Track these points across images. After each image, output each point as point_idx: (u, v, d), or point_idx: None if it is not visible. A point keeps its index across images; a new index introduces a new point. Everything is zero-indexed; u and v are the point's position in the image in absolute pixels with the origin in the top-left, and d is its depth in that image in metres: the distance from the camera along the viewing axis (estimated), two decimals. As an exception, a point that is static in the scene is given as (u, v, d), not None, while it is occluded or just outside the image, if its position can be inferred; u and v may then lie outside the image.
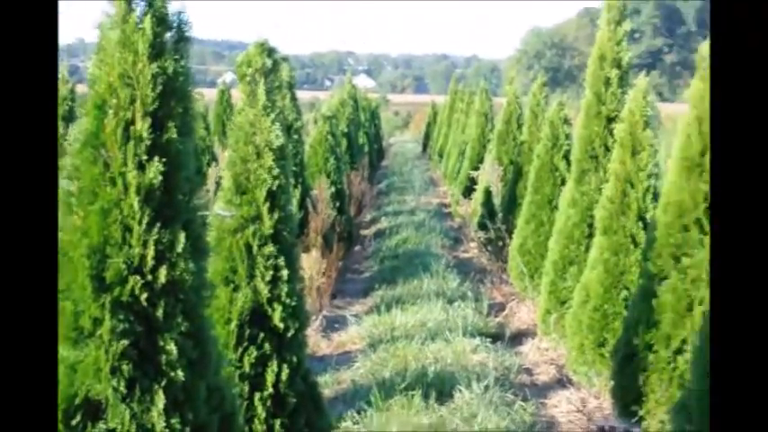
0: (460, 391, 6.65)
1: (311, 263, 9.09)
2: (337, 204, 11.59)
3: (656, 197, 6.25)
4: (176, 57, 2.92)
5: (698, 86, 5.34)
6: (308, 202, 10.27)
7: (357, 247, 13.68)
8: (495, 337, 8.51)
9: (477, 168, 15.54)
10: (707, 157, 5.23)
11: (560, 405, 6.87)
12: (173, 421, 2.80)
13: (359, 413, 6.31)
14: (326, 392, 6.70)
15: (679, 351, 5.19)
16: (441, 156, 26.55)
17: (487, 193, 12.96)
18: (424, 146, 38.06)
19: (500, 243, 11.15)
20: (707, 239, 5.19)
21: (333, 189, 11.56)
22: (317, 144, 12.16)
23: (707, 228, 5.20)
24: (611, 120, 7.45)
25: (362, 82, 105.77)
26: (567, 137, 9.43)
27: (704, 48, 5.35)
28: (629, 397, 5.51)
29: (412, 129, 54.76)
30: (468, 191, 16.36)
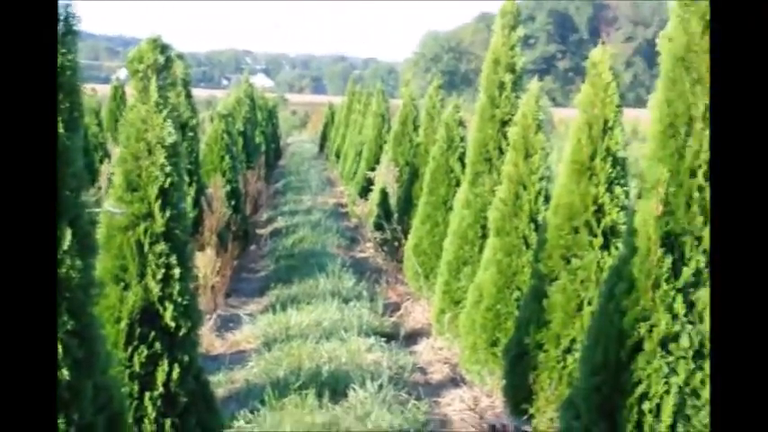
0: (354, 389, 6.66)
1: (206, 261, 8.99)
2: (233, 203, 11.49)
3: (547, 199, 6.37)
4: (64, 50, 2.82)
5: (588, 92, 5.46)
6: (203, 201, 10.15)
7: (253, 247, 13.60)
8: (390, 336, 8.54)
9: (373, 169, 15.60)
10: (596, 161, 5.36)
11: (453, 403, 6.93)
12: (58, 421, 2.72)
13: (252, 412, 6.27)
14: (220, 392, 6.64)
15: (568, 350, 5.31)
16: (338, 156, 26.56)
17: (384, 194, 13.01)
18: (322, 146, 38.01)
19: (396, 243, 11.23)
20: (596, 241, 5.33)
21: (228, 187, 11.45)
22: (212, 142, 12.01)
23: (596, 230, 5.33)
24: (504, 123, 7.57)
25: (260, 81, 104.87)
26: (462, 139, 9.54)
27: (594, 54, 5.48)
28: (520, 395, 5.61)
29: (309, 129, 54.57)
30: (364, 191, 16.40)
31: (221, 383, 7.02)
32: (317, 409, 6.30)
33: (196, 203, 10.06)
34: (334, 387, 6.78)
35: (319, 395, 6.51)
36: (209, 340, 8.25)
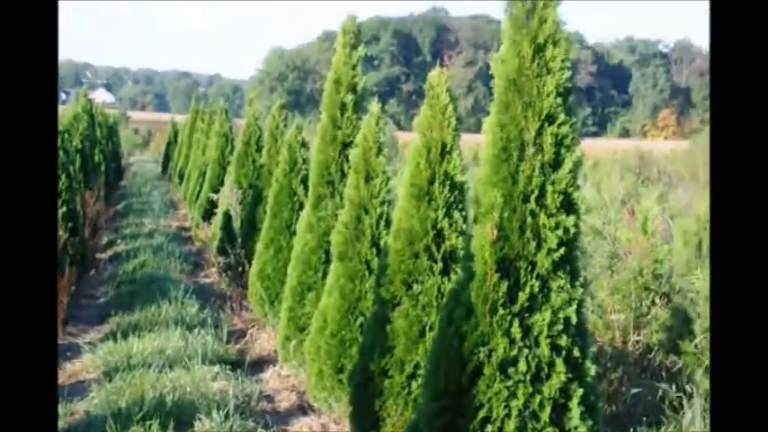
0: (200, 419, 6.50)
1: (41, 287, 8.60)
2: (69, 225, 10.98)
3: (389, 224, 6.36)
4: None
5: (426, 114, 5.50)
6: (36, 223, 9.73)
7: (92, 272, 13.13)
8: (236, 364, 8.37)
9: (217, 191, 15.31)
10: (435, 185, 5.40)
11: (301, 432, 6.85)
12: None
13: (94, 445, 6.03)
14: (59, 424, 6.35)
15: (413, 376, 5.32)
16: (181, 177, 25.97)
17: (227, 217, 12.78)
18: (165, 166, 37.10)
19: (240, 268, 11.03)
20: (436, 266, 5.36)
21: (65, 209, 10.94)
22: (46, 162, 11.54)
23: (436, 255, 5.36)
24: (346, 145, 7.53)
25: (101, 96, 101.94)
26: (305, 161, 9.46)
27: (432, 76, 5.53)
28: (367, 422, 5.57)
29: (153, 148, 53.43)
30: (208, 214, 16.09)
31: (60, 416, 6.68)
32: (162, 441, 6.10)
33: (30, 227, 9.63)
34: (178, 417, 6.57)
35: (164, 426, 6.30)
36: (46, 370, 7.91)
